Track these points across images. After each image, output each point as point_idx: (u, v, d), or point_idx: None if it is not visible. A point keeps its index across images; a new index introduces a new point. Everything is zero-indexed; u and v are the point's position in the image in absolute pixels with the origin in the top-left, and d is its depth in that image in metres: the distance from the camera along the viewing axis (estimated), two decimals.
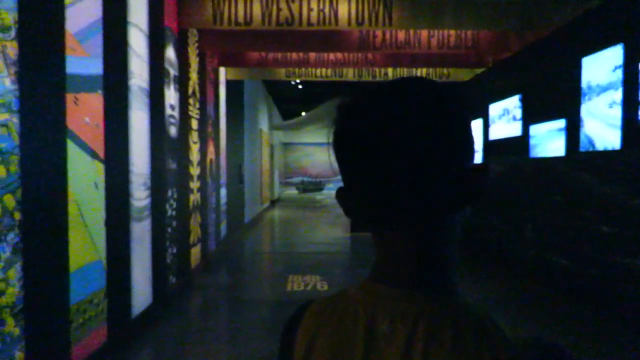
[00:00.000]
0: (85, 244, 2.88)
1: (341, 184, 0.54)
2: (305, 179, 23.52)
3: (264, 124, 14.58)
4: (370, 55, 7.56)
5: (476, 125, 7.47)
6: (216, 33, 6.42)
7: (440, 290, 0.49)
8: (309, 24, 5.46)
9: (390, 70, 8.09)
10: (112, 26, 3.32)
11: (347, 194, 0.52)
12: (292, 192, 23.09)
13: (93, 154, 3.00)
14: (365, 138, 0.47)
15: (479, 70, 7.72)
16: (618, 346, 3.52)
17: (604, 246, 4.16)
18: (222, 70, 7.83)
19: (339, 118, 0.51)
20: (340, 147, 0.50)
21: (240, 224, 9.70)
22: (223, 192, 7.71)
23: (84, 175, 2.89)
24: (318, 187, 22.90)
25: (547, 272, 5.20)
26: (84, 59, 2.90)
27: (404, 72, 8.01)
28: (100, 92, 3.09)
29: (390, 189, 0.48)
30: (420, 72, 8.02)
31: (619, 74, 4.00)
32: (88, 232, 2.90)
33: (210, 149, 6.78)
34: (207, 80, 6.69)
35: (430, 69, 7.98)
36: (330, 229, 10.45)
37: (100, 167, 3.09)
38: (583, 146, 4.45)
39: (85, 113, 2.91)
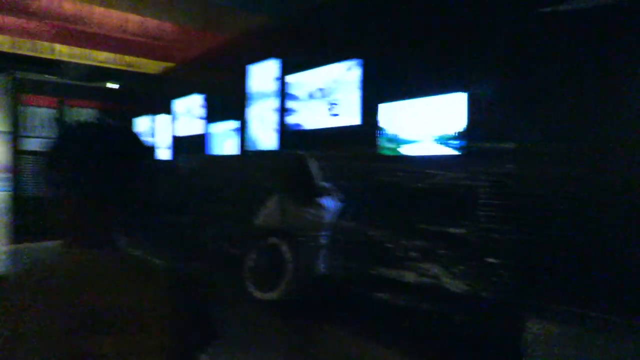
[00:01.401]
0: None
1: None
2: None
3: None
4: (32, 26, 6.10)
5: (164, 121, 7.26)
6: None
7: (107, 245, 0.92)
8: None
9: (61, 47, 6.79)
10: None
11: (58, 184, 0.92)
12: None
13: None
14: (78, 154, 0.91)
15: (168, 65, 7.51)
16: None
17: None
18: None
19: (58, 143, 0.94)
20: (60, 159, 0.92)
21: None
22: None
23: None
24: None
25: (224, 260, 5.52)
26: None
27: (77, 52, 6.90)
28: None
29: (88, 182, 0.90)
30: (102, 56, 7.11)
31: (276, 84, 4.60)
32: None
33: None
34: None
35: (113, 55, 7.16)
36: None
37: None
38: (251, 146, 4.92)
39: None
